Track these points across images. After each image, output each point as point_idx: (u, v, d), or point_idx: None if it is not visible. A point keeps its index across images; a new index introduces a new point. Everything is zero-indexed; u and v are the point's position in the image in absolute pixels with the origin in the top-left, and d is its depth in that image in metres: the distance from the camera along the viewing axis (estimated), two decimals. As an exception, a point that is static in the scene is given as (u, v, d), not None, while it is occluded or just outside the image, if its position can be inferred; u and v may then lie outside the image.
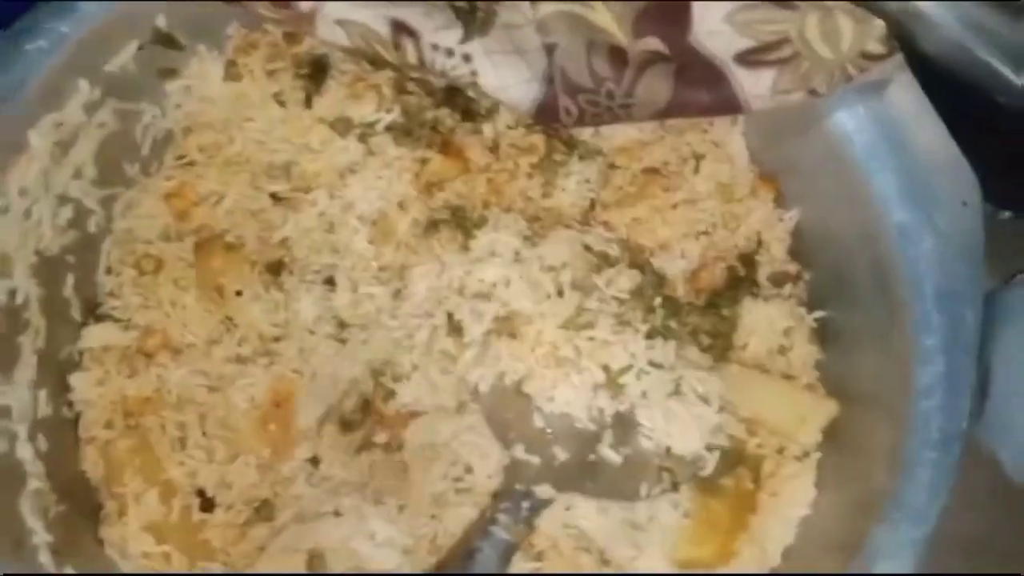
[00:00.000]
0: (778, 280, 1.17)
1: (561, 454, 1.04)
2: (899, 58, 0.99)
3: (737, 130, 1.22)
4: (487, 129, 1.18)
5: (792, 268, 1.19)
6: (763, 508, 0.99)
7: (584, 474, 1.03)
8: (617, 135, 1.20)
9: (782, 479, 1.04)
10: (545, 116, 1.03)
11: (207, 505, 1.15)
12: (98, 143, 1.08)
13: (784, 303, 1.13)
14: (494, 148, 1.17)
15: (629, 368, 1.02)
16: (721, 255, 1.16)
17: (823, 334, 1.16)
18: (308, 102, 1.16)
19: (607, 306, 1.05)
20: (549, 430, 1.05)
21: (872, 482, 1.03)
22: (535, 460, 1.04)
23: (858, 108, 1.05)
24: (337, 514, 1.09)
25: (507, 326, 1.07)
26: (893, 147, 1.04)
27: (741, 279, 1.16)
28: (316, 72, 1.17)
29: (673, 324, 1.07)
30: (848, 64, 0.99)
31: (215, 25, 1.15)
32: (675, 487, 1.04)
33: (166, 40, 1.10)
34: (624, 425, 1.04)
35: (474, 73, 1.01)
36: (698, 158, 1.19)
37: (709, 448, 1.03)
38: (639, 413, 1.02)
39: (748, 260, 1.16)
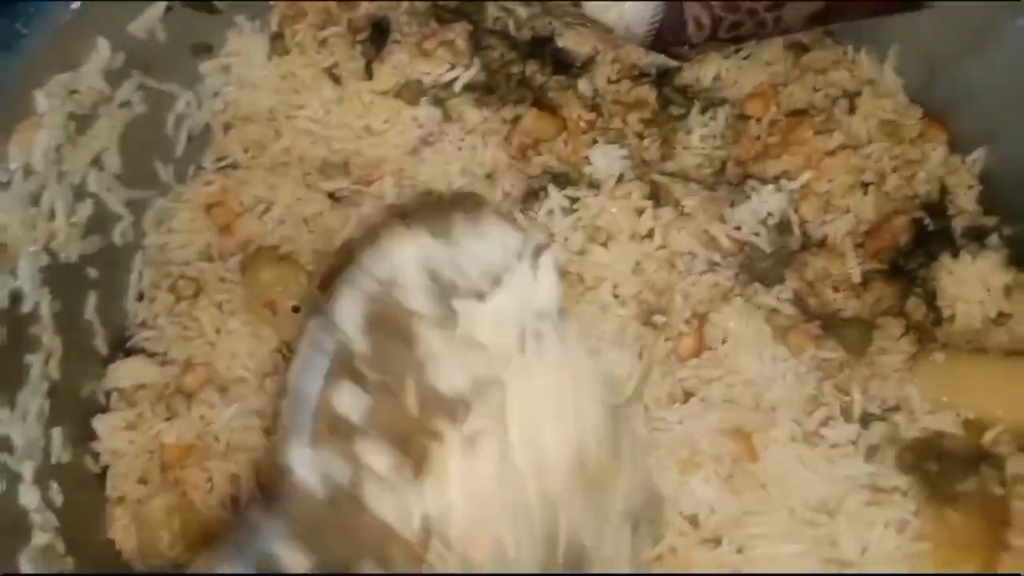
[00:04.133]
0: (976, 234, 0.92)
1: None
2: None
3: (888, 65, 1.00)
4: (583, 84, 0.96)
5: (988, 221, 0.93)
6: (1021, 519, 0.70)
7: None
8: (744, 79, 0.99)
9: (1037, 480, 0.75)
10: (667, 37, 0.82)
11: (267, 578, 0.89)
12: (123, 127, 0.91)
13: (995, 256, 0.87)
14: (595, 106, 0.96)
15: None
16: (900, 207, 0.91)
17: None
18: (368, 71, 0.97)
19: None
20: None
21: None
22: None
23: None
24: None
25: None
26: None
27: (931, 234, 0.91)
28: (376, 36, 0.98)
29: None
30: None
31: (257, -9, 0.99)
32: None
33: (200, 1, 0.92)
34: None
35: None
36: (851, 96, 0.96)
37: None
38: None
39: (936, 211, 0.91)
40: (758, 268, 0.90)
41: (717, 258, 0.88)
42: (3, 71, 0.77)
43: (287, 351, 0.95)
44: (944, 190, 0.94)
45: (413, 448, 0.72)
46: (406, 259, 0.77)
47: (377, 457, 0.72)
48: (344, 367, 0.74)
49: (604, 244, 0.87)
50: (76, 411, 0.89)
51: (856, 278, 0.90)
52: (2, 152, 0.79)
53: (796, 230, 0.92)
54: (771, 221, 0.90)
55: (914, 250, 0.91)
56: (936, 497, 0.78)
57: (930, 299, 0.88)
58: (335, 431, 0.73)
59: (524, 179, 0.93)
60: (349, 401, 0.74)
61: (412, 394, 0.74)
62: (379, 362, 0.75)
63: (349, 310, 0.76)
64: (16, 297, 0.80)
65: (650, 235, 0.88)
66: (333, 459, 0.72)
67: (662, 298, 0.85)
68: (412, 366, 0.74)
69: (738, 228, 0.90)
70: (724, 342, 0.84)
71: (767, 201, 0.92)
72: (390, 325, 0.76)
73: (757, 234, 0.90)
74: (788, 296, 0.89)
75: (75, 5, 0.82)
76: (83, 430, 0.89)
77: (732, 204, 0.92)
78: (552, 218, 0.89)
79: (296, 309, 0.95)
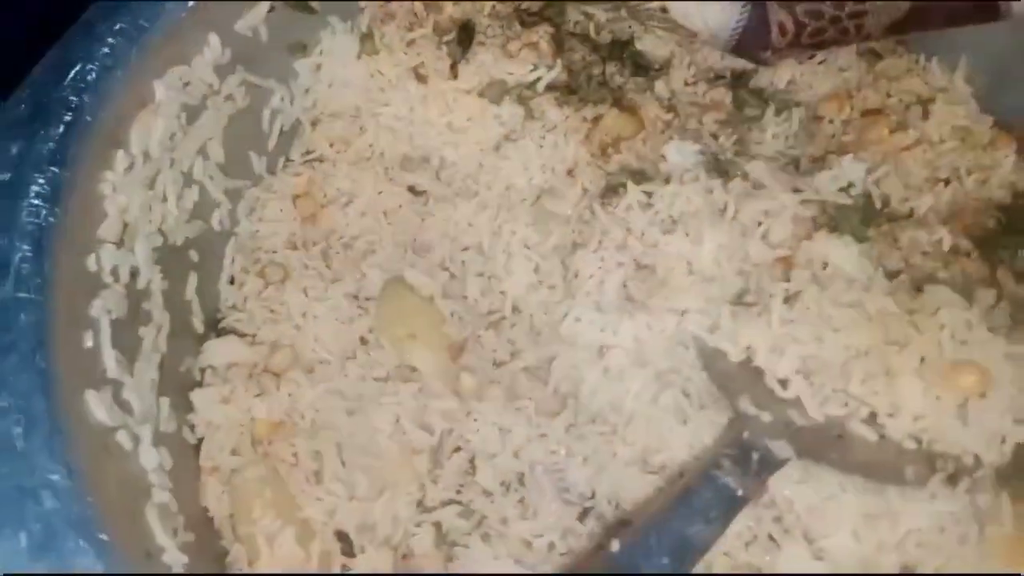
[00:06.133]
0: (1050, 239, 0.92)
1: (799, 419, 0.82)
2: None
3: (959, 75, 1.02)
4: (660, 86, 1.00)
5: (1060, 232, 0.94)
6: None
7: (828, 444, 0.81)
8: (818, 84, 1.01)
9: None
10: (750, 41, 0.85)
11: (348, 549, 0.93)
12: (227, 119, 0.96)
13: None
14: (671, 107, 0.99)
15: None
16: (978, 205, 0.93)
17: None
18: (453, 71, 1.01)
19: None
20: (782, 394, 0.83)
21: None
22: (766, 416, 0.83)
23: None
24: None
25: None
26: None
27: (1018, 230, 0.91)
28: (462, 37, 1.02)
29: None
30: None
31: (350, -6, 1.04)
32: (952, 480, 0.79)
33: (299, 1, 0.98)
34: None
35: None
36: (924, 103, 0.98)
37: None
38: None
39: (1014, 212, 0.92)
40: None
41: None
42: (128, 61, 0.82)
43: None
44: (1018, 195, 0.95)
45: None
46: None
47: None
48: None
49: (681, 232, 0.89)
50: (178, 386, 0.93)
51: (946, 245, 0.85)
52: (125, 137, 0.84)
53: (878, 203, 0.88)
54: (853, 191, 0.88)
55: (1002, 236, 0.88)
56: (1004, 486, 0.79)
57: (1019, 277, 0.84)
58: None
59: (603, 176, 0.96)
60: None
61: None
62: None
63: None
64: (134, 273, 0.85)
65: (724, 209, 0.88)
66: None
67: (750, 280, 0.85)
68: None
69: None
70: (825, 267, 0.83)
71: (847, 170, 0.89)
72: None
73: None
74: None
75: (191, 3, 0.87)
76: (184, 403, 0.93)
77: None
78: (630, 213, 0.92)
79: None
